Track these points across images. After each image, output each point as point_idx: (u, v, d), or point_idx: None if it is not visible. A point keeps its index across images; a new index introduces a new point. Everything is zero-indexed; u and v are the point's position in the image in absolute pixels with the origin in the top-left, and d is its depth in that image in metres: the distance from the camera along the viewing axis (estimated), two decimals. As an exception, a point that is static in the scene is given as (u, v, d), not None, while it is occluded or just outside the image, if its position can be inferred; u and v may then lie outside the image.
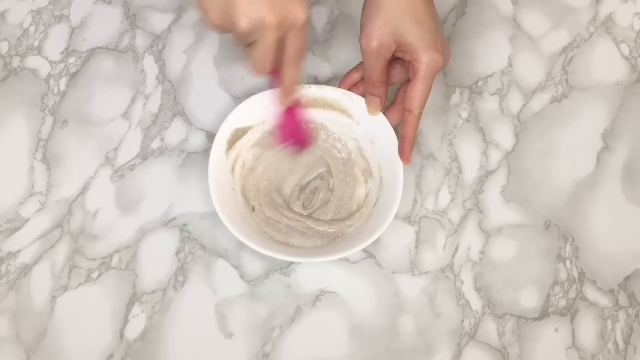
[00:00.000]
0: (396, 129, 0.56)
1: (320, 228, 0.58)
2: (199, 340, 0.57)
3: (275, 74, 0.52)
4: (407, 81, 0.56)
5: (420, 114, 0.55)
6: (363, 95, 0.57)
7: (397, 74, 0.57)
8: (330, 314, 0.57)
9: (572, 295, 0.58)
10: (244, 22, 0.45)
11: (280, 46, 0.49)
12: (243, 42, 0.49)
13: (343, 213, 0.59)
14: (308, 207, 0.60)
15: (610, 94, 0.65)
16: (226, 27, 0.47)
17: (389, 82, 0.57)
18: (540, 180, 0.62)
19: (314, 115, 0.59)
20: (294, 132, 0.58)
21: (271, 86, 0.55)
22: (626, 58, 0.66)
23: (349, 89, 0.58)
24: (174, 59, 0.65)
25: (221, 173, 0.56)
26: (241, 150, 0.58)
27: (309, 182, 0.60)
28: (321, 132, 0.60)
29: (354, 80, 0.58)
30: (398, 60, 0.56)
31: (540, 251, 0.60)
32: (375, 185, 0.58)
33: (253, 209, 0.59)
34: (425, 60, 0.53)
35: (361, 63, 0.57)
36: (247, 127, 0.58)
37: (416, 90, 0.54)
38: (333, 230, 0.58)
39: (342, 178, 0.60)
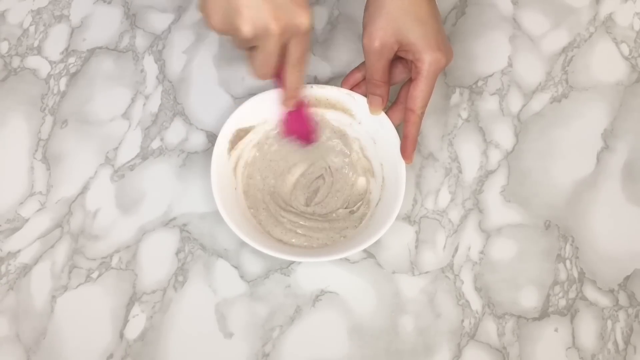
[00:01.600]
0: (398, 129, 0.56)
1: (322, 227, 0.58)
2: (199, 340, 0.57)
3: (278, 77, 0.52)
4: (409, 81, 0.56)
5: (422, 113, 0.55)
6: (365, 95, 0.57)
7: (400, 73, 0.57)
8: (330, 314, 0.57)
9: (572, 295, 0.58)
10: (247, 29, 0.45)
11: (283, 51, 0.49)
12: (245, 47, 0.49)
13: (345, 212, 0.59)
14: (310, 206, 0.60)
15: (610, 94, 0.65)
16: (229, 32, 0.47)
17: (391, 81, 0.57)
18: (540, 180, 0.62)
19: (316, 114, 0.59)
20: (299, 129, 0.58)
21: (275, 87, 0.55)
22: (626, 58, 0.66)
23: (351, 89, 0.58)
24: (174, 59, 0.65)
25: (223, 173, 0.56)
26: (243, 150, 0.58)
27: (310, 182, 0.60)
28: (326, 130, 0.60)
29: (356, 80, 0.58)
30: (400, 60, 0.56)
31: (540, 251, 0.60)
32: (378, 184, 0.58)
33: (255, 209, 0.59)
34: (427, 60, 0.53)
35: (363, 63, 0.57)
36: (249, 127, 0.58)
37: (419, 90, 0.54)
38: (335, 229, 0.58)
39: (344, 178, 0.60)
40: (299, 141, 0.59)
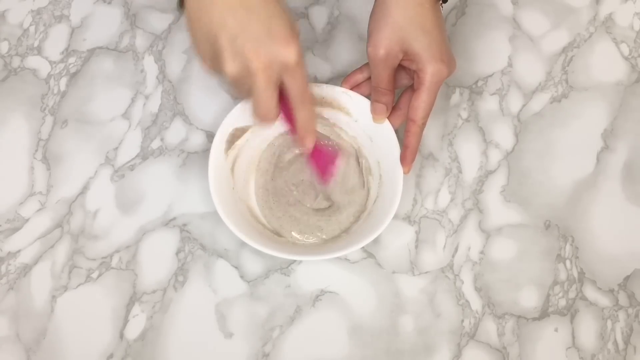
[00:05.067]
0: (396, 133, 0.56)
1: (321, 226, 0.58)
2: (199, 340, 0.57)
3: (287, 118, 0.51)
4: (411, 88, 0.56)
5: (424, 124, 0.55)
6: (365, 96, 0.57)
7: (402, 79, 0.58)
8: (330, 313, 0.57)
9: (572, 295, 0.58)
10: (229, 67, 0.45)
11: (278, 90, 0.48)
12: (241, 90, 0.48)
13: (343, 210, 0.59)
14: (309, 205, 0.59)
15: (610, 94, 0.65)
16: (218, 73, 0.47)
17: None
18: (540, 180, 0.62)
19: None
20: (327, 165, 0.57)
21: (289, 132, 0.54)
22: (626, 58, 0.66)
23: (351, 89, 0.58)
24: (174, 59, 0.65)
25: (221, 173, 0.56)
26: (241, 149, 0.58)
27: (309, 182, 0.60)
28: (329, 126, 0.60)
29: (357, 81, 0.58)
30: (403, 67, 0.57)
31: (540, 251, 0.60)
32: (375, 182, 0.58)
33: (254, 208, 0.59)
34: (430, 70, 0.53)
35: (365, 64, 0.58)
36: (246, 127, 0.58)
37: (420, 100, 0.54)
38: (334, 227, 0.58)
39: (341, 175, 0.60)
40: (326, 178, 0.58)
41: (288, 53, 0.45)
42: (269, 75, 0.46)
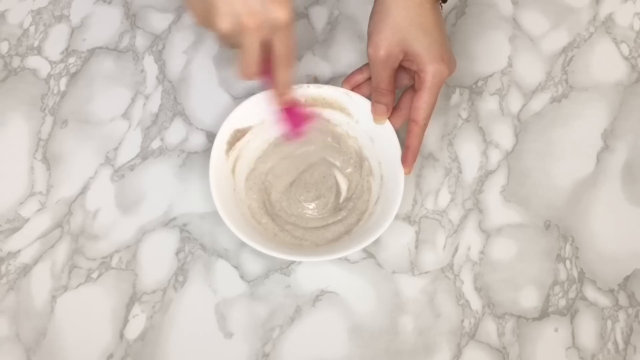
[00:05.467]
0: (397, 134, 0.56)
1: (321, 226, 0.58)
2: (199, 340, 0.57)
3: (266, 76, 0.52)
4: (411, 88, 0.56)
5: (425, 124, 0.55)
6: (366, 96, 0.57)
7: (402, 80, 0.58)
8: (330, 314, 0.57)
9: (572, 295, 0.58)
10: (222, 24, 0.45)
11: (265, 49, 0.48)
12: (229, 44, 0.49)
13: (344, 211, 0.59)
14: (309, 206, 0.59)
15: (610, 94, 0.65)
16: (209, 28, 0.47)
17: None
18: (540, 180, 0.62)
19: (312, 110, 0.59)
20: (296, 123, 0.57)
21: (265, 87, 0.55)
22: (626, 58, 0.66)
23: (351, 90, 0.58)
24: (174, 59, 0.65)
25: (222, 174, 0.56)
26: (241, 150, 0.58)
27: (309, 182, 0.60)
28: (324, 129, 0.60)
29: (357, 81, 0.58)
30: (404, 67, 0.57)
31: (540, 251, 0.60)
32: (377, 183, 0.58)
33: (254, 209, 0.59)
34: (431, 71, 0.53)
35: (366, 65, 0.58)
36: (247, 128, 0.58)
37: (422, 101, 0.54)
38: (335, 228, 0.58)
39: (342, 177, 0.60)
40: (295, 135, 0.58)
41: (280, 14, 0.46)
42: (258, 34, 0.46)
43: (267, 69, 0.51)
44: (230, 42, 0.48)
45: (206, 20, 0.47)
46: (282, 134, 0.59)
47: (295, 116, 0.57)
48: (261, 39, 0.47)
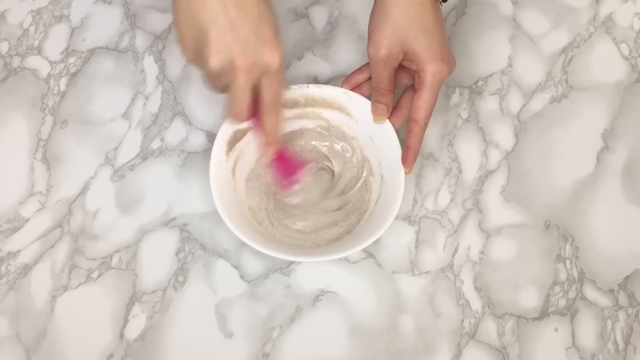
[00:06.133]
0: (397, 134, 0.56)
1: (321, 227, 0.58)
2: (199, 340, 0.57)
3: (256, 120, 0.51)
4: (411, 87, 0.56)
5: (426, 124, 0.55)
6: (366, 96, 0.57)
7: (402, 79, 0.58)
8: (330, 314, 0.57)
9: (572, 295, 0.58)
10: (213, 62, 0.45)
11: (255, 92, 0.48)
12: (217, 85, 0.48)
13: (344, 211, 0.59)
14: (309, 206, 0.59)
15: (610, 94, 0.65)
16: (199, 65, 0.47)
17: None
18: (540, 180, 0.62)
19: (314, 113, 0.59)
20: (288, 172, 0.57)
21: (254, 133, 0.54)
22: (626, 58, 0.66)
23: (352, 90, 0.58)
24: (174, 59, 0.65)
25: (222, 175, 0.56)
26: (242, 151, 0.58)
27: (309, 182, 0.60)
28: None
29: (358, 81, 0.58)
30: (404, 67, 0.57)
31: (540, 251, 0.60)
32: (377, 183, 0.58)
33: (255, 209, 0.59)
34: (431, 70, 0.53)
35: (366, 65, 0.58)
36: (247, 128, 0.58)
37: (422, 100, 0.54)
38: (335, 228, 0.58)
39: (342, 176, 0.60)
40: (288, 184, 0.57)
41: (272, 58, 0.46)
42: (249, 76, 0.46)
43: (256, 113, 0.50)
44: (218, 84, 0.48)
45: (197, 57, 0.46)
46: (276, 185, 0.58)
47: (287, 164, 0.56)
48: (251, 81, 0.46)
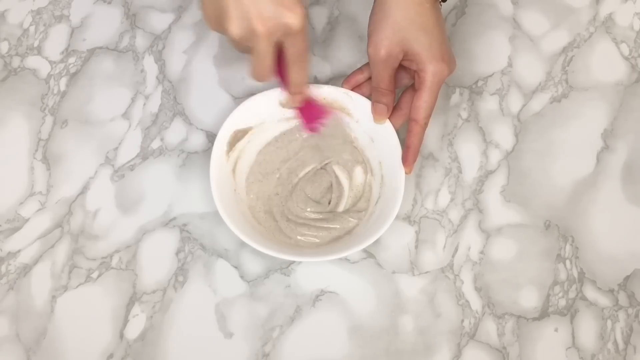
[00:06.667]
0: (398, 134, 0.56)
1: (321, 227, 0.58)
2: (199, 340, 0.57)
3: (280, 76, 0.52)
4: (411, 87, 0.56)
5: (426, 124, 0.55)
6: (366, 96, 0.57)
7: (402, 79, 0.58)
8: (330, 314, 0.57)
9: (572, 295, 0.58)
10: (233, 29, 0.45)
11: (278, 52, 0.49)
12: (241, 48, 0.49)
13: (344, 211, 0.59)
14: (309, 206, 0.59)
15: (610, 94, 0.65)
16: (221, 32, 0.47)
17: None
18: (540, 180, 0.62)
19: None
20: (312, 119, 0.59)
21: (280, 87, 0.56)
22: (626, 58, 0.66)
23: (352, 90, 0.58)
24: (174, 59, 0.65)
25: (222, 175, 0.56)
26: (242, 151, 0.58)
27: (310, 182, 0.60)
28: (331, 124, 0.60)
29: (358, 81, 0.58)
30: (403, 67, 0.57)
31: (540, 251, 0.60)
32: (377, 183, 0.58)
33: (255, 209, 0.59)
34: (431, 70, 0.53)
35: (366, 65, 0.58)
36: (247, 128, 0.58)
37: (422, 100, 0.54)
38: (335, 228, 0.58)
39: (343, 177, 0.60)
40: (311, 130, 0.60)
41: (293, 19, 0.46)
42: (270, 40, 0.47)
43: (280, 69, 0.51)
44: (241, 47, 0.49)
45: (219, 25, 0.47)
46: (304, 127, 0.60)
47: (310, 112, 0.58)
48: (273, 43, 0.47)
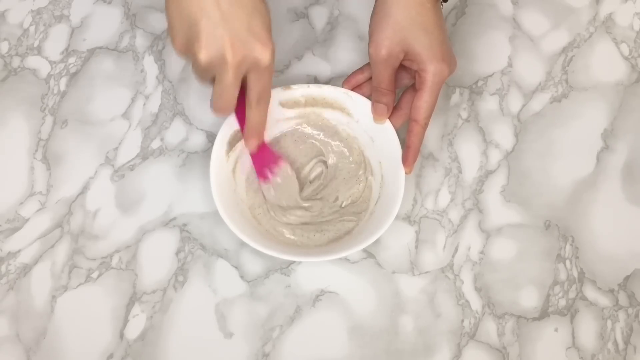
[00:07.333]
0: (398, 133, 0.56)
1: (321, 227, 0.58)
2: (199, 340, 0.57)
3: (238, 117, 0.51)
4: (412, 87, 0.56)
5: (426, 124, 0.55)
6: (366, 96, 0.57)
7: (402, 79, 0.58)
8: (330, 314, 0.57)
9: (572, 295, 0.58)
10: (203, 56, 0.45)
11: (242, 86, 0.48)
12: (205, 77, 0.48)
13: (345, 211, 0.59)
14: (310, 206, 0.59)
15: (610, 94, 0.65)
16: (189, 57, 0.46)
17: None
18: (540, 180, 0.62)
19: (314, 113, 0.59)
20: (265, 166, 0.57)
21: (238, 126, 0.54)
22: (626, 58, 0.66)
23: (352, 90, 0.58)
24: (174, 59, 0.65)
25: (222, 175, 0.56)
26: (242, 151, 0.58)
27: (310, 182, 0.60)
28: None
29: (358, 81, 0.58)
30: (404, 67, 0.57)
31: (540, 251, 0.60)
32: (377, 183, 0.58)
33: (255, 209, 0.58)
34: (432, 70, 0.53)
35: (367, 65, 0.58)
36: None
37: (423, 100, 0.54)
38: (335, 228, 0.58)
39: (343, 177, 0.60)
40: (261, 177, 0.58)
41: (263, 53, 0.46)
42: (238, 71, 0.46)
43: (239, 109, 0.50)
44: (206, 76, 0.48)
45: (188, 50, 0.46)
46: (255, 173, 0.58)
47: (262, 158, 0.56)
48: (240, 76, 0.46)
